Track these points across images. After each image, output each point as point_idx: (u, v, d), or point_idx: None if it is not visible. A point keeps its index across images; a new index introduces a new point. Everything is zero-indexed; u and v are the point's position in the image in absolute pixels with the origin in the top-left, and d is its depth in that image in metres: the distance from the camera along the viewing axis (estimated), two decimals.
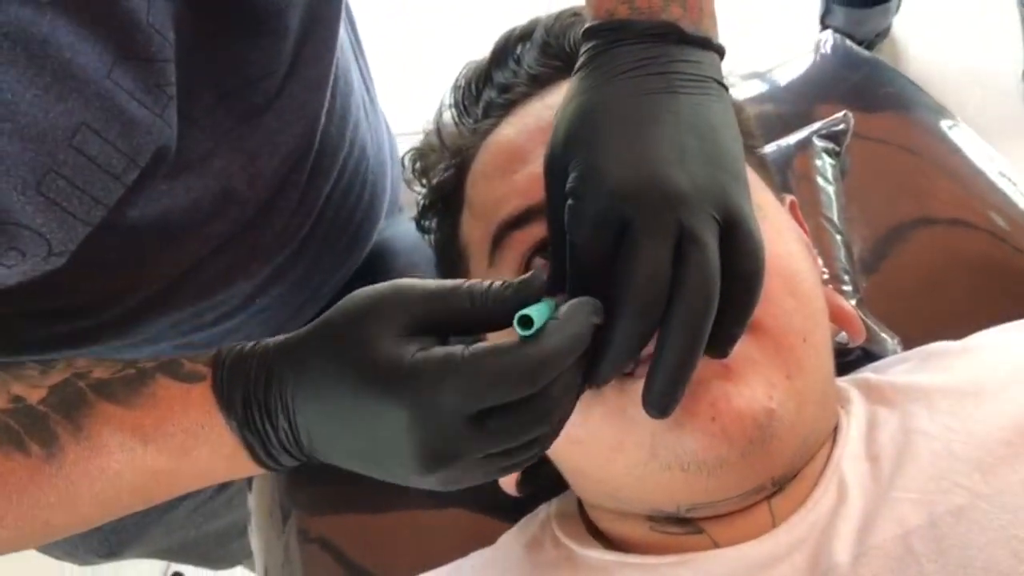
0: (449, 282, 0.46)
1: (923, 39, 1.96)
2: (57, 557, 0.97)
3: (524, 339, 0.43)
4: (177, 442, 0.47)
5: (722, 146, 0.50)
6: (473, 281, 0.46)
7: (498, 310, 0.45)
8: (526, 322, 0.44)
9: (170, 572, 1.65)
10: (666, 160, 0.47)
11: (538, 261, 0.58)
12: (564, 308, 0.45)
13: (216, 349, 0.49)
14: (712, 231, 0.46)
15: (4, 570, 0.69)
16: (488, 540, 0.67)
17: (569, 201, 0.49)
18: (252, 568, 1.28)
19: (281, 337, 0.48)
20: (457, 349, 0.43)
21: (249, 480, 0.85)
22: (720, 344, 0.48)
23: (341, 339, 0.45)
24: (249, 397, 0.46)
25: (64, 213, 0.49)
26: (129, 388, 0.48)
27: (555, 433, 0.47)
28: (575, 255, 0.49)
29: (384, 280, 0.83)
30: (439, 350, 0.44)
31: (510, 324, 0.44)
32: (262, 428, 0.47)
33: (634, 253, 0.46)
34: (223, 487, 0.96)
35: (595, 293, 0.47)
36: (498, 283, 0.46)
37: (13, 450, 0.47)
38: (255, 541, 0.84)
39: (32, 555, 0.69)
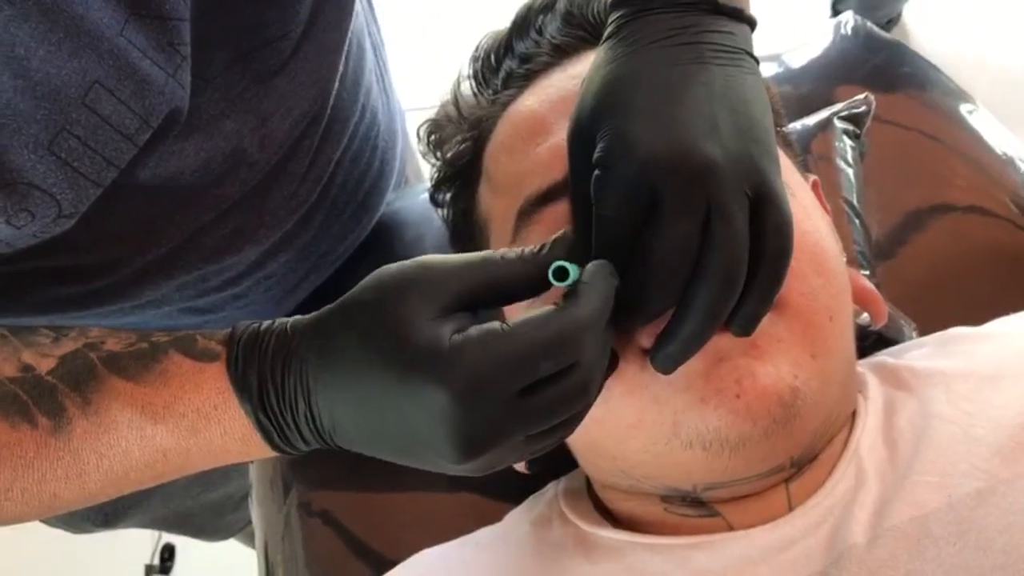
0: (477, 255, 0.45)
1: (933, 24, 1.95)
2: (51, 525, 0.96)
3: (562, 294, 0.44)
4: (188, 422, 0.46)
5: (754, 119, 0.49)
6: (503, 250, 0.46)
7: (534, 272, 0.45)
8: (562, 274, 0.44)
9: (161, 544, 1.65)
10: (698, 132, 0.46)
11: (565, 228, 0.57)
12: (587, 272, 0.45)
13: (231, 327, 0.47)
14: (742, 206, 0.46)
15: None
16: (493, 522, 0.66)
17: (596, 171, 0.48)
18: (244, 542, 1.29)
19: (301, 316, 0.46)
20: (496, 325, 0.43)
21: None
22: (745, 322, 0.48)
23: (371, 320, 0.43)
24: (265, 379, 0.45)
25: (75, 174, 0.48)
26: (140, 363, 0.46)
27: (591, 404, 0.46)
28: (601, 226, 0.48)
29: (391, 252, 0.83)
30: (477, 329, 0.43)
31: (546, 286, 0.44)
32: (279, 412, 0.45)
33: (662, 226, 0.45)
34: None
35: (620, 265, 0.47)
36: (529, 248, 0.45)
37: (20, 421, 0.45)
38: (255, 512, 0.83)
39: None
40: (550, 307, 0.44)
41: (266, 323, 0.47)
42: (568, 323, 0.43)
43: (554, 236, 0.46)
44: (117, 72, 0.47)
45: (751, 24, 0.52)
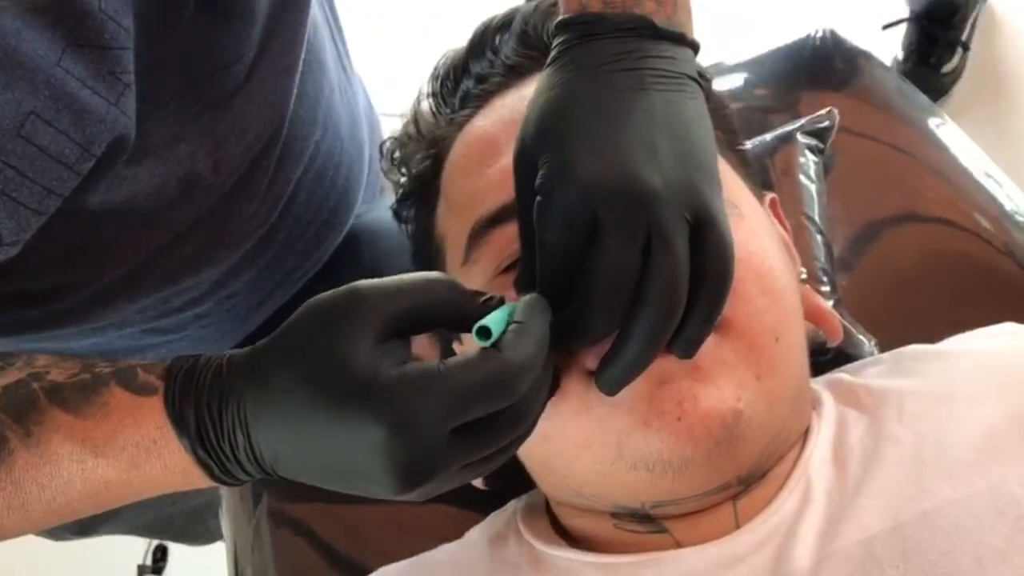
0: (414, 277, 0.46)
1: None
2: (31, 532, 0.96)
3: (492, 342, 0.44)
4: (128, 455, 0.46)
5: (695, 144, 0.49)
6: (441, 276, 0.46)
7: (465, 312, 0.45)
8: (485, 332, 0.44)
9: (154, 544, 1.66)
10: (637, 158, 0.47)
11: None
12: (520, 310, 0.45)
13: (169, 361, 0.47)
14: (682, 231, 0.46)
15: None
16: (466, 532, 0.66)
17: (538, 198, 0.48)
18: None
19: (237, 351, 0.46)
20: (432, 365, 0.43)
21: None
22: (687, 345, 0.48)
23: (305, 353, 0.43)
24: (202, 414, 0.45)
25: (14, 203, 0.48)
26: (82, 396, 0.46)
27: (528, 433, 0.47)
28: (544, 252, 0.48)
29: (361, 264, 0.82)
30: (413, 366, 0.43)
31: (470, 328, 0.44)
32: (217, 447, 0.45)
33: (603, 251, 0.46)
34: None
35: (564, 291, 0.47)
36: (469, 288, 0.46)
37: None
38: (225, 524, 0.84)
39: None
40: (487, 349, 0.43)
41: (204, 357, 0.47)
42: (503, 368, 0.43)
43: (493, 293, 0.47)
44: (54, 102, 0.47)
45: (694, 48, 0.52)
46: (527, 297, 0.47)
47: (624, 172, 0.46)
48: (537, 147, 0.50)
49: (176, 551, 1.65)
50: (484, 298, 0.46)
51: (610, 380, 0.48)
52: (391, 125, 0.98)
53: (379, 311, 0.44)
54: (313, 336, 0.43)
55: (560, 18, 0.52)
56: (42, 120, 0.47)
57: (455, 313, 0.45)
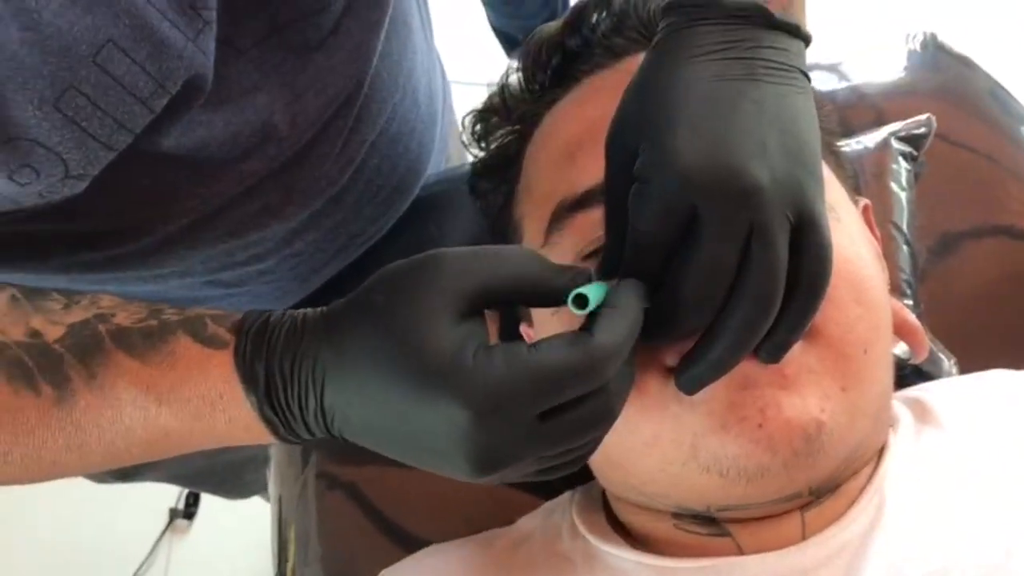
0: (496, 248, 0.44)
1: None
2: (85, 473, 0.97)
3: (581, 325, 0.43)
4: (192, 407, 0.45)
5: (803, 141, 0.47)
6: (526, 248, 0.45)
7: (554, 286, 0.44)
8: (581, 301, 0.43)
9: (186, 490, 1.68)
10: (745, 151, 0.45)
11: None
12: (616, 293, 0.44)
13: (240, 315, 0.47)
14: (784, 232, 0.44)
15: None
16: (515, 512, 0.66)
17: (636, 184, 0.46)
18: (267, 499, 1.30)
19: (310, 310, 0.45)
20: (520, 347, 0.42)
21: None
22: (774, 349, 0.47)
23: (385, 323, 0.42)
24: (273, 372, 0.44)
25: (83, 133, 0.47)
26: (148, 342, 0.46)
27: (610, 426, 0.45)
28: (635, 240, 0.47)
29: (425, 235, 0.81)
30: (502, 347, 0.42)
31: (562, 302, 0.43)
32: (285, 405, 0.44)
33: (700, 245, 0.44)
34: None
35: (651, 281, 0.46)
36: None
37: (23, 387, 0.45)
38: (272, 478, 0.83)
39: None
40: (577, 332, 0.43)
41: (276, 314, 0.46)
42: (595, 350, 0.42)
43: (584, 267, 0.45)
44: (133, 32, 0.45)
45: (806, 41, 0.50)
46: (625, 281, 0.45)
47: (730, 165, 0.44)
48: (636, 131, 0.48)
49: (208, 497, 1.67)
50: (574, 273, 0.45)
51: (692, 379, 0.47)
52: (459, 93, 0.97)
53: (463, 282, 0.42)
54: (395, 304, 0.42)
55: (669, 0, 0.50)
56: (119, 49, 0.45)
57: (543, 287, 0.44)
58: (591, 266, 0.54)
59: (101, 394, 0.45)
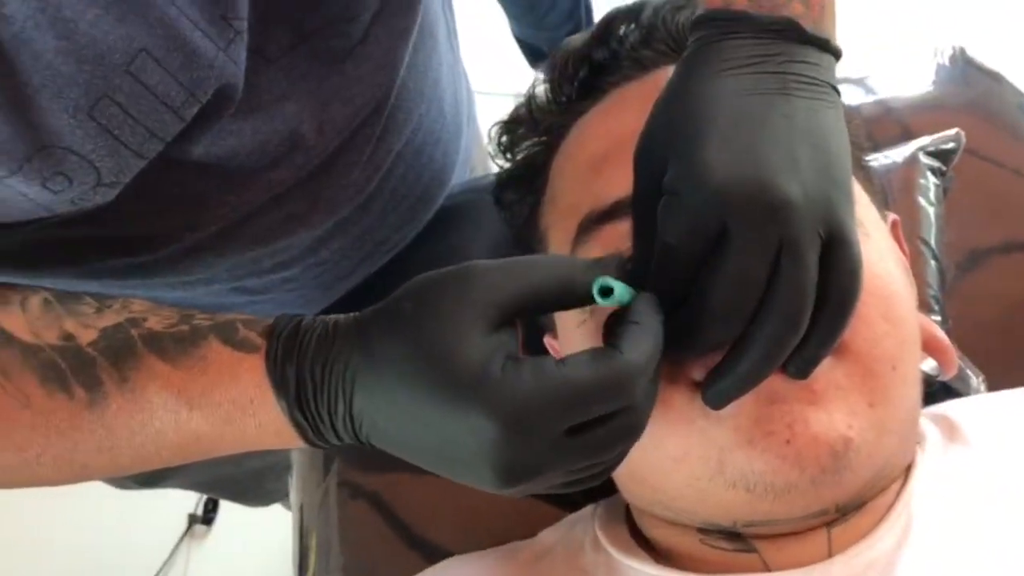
0: (522, 259, 0.45)
1: None
2: (112, 476, 0.98)
3: (614, 331, 0.44)
4: (223, 412, 0.46)
5: (833, 156, 0.46)
6: (550, 255, 0.45)
7: (581, 283, 0.44)
8: (606, 293, 0.43)
9: (205, 496, 1.68)
10: (776, 166, 0.44)
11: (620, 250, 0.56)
12: (636, 309, 0.44)
13: (273, 318, 0.47)
14: (815, 248, 0.44)
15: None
16: (537, 524, 0.65)
17: (665, 197, 0.46)
18: (287, 507, 1.30)
19: (341, 316, 0.46)
20: (548, 362, 0.42)
21: None
22: (803, 364, 0.47)
23: (415, 332, 0.42)
24: (304, 377, 0.44)
25: (116, 142, 0.47)
26: (180, 347, 0.46)
27: (635, 441, 0.45)
28: (664, 253, 0.46)
29: (448, 245, 0.82)
30: (531, 361, 0.42)
31: (591, 300, 0.44)
32: (315, 410, 0.44)
33: (730, 259, 0.44)
34: None
35: (679, 296, 0.46)
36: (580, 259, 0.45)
37: (57, 389, 0.46)
38: (293, 485, 0.84)
39: None
40: (604, 348, 0.43)
41: (307, 319, 0.46)
42: (624, 367, 0.42)
43: (608, 254, 0.45)
44: (166, 42, 0.46)
45: (836, 55, 0.50)
46: (643, 295, 0.45)
47: (762, 179, 0.44)
48: (666, 144, 0.47)
49: (227, 503, 1.68)
50: (599, 264, 0.45)
51: (719, 393, 0.47)
52: (483, 103, 0.97)
53: (495, 294, 0.43)
54: (421, 316, 0.42)
55: (701, 12, 0.50)
56: (152, 58, 0.46)
57: (571, 286, 0.44)
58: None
59: (132, 397, 0.46)
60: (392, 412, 0.43)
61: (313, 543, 0.78)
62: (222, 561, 1.67)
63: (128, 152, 0.48)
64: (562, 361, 0.42)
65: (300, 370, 0.44)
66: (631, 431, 0.44)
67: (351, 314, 0.45)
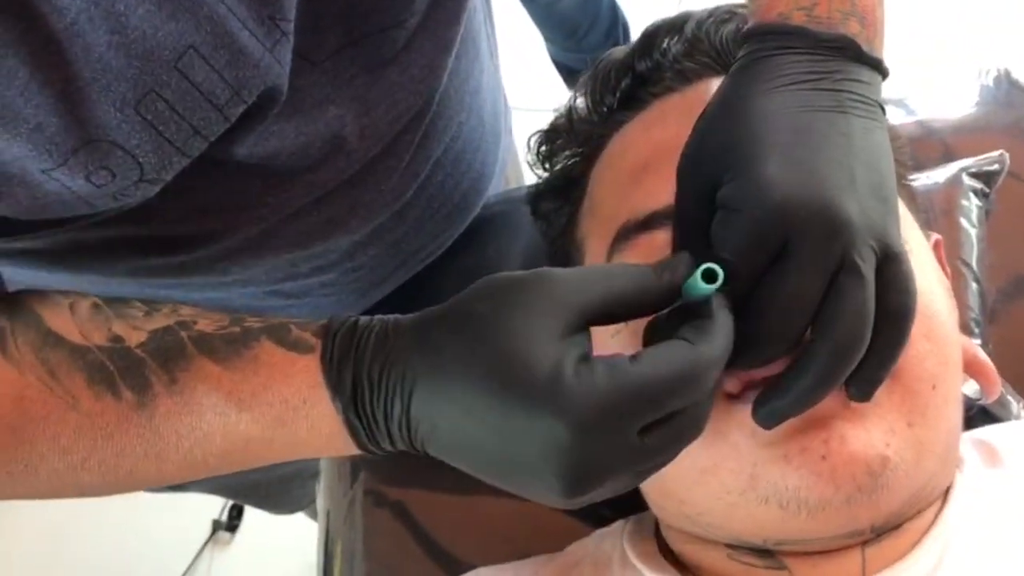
0: (594, 267, 0.45)
1: None
2: (160, 485, 0.97)
3: (684, 325, 0.43)
4: (275, 413, 0.44)
5: (883, 176, 0.46)
6: (618, 263, 0.46)
7: (663, 285, 0.44)
8: (711, 275, 0.43)
9: (230, 502, 1.68)
10: (838, 185, 0.44)
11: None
12: (717, 303, 0.44)
13: (327, 319, 0.46)
14: (872, 266, 0.44)
15: None
16: (561, 539, 0.65)
17: (721, 212, 0.46)
18: (311, 515, 1.30)
19: (402, 316, 0.45)
20: (622, 360, 0.41)
21: None
22: (865, 385, 0.46)
23: (486, 333, 0.41)
24: (361, 377, 0.43)
25: (160, 138, 0.47)
26: (232, 348, 0.45)
27: (695, 440, 0.45)
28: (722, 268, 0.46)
29: (483, 255, 0.81)
30: (603, 362, 0.41)
31: (672, 300, 0.44)
32: (370, 412, 0.43)
33: (790, 275, 0.44)
34: None
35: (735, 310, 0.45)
36: (654, 262, 0.45)
37: (104, 391, 0.45)
38: (320, 493, 0.83)
39: None
40: (675, 341, 0.42)
41: (364, 319, 0.45)
42: (701, 359, 0.41)
43: (674, 256, 0.45)
44: (214, 39, 0.46)
45: (884, 75, 0.50)
46: (719, 293, 0.44)
47: (823, 197, 0.44)
48: (718, 158, 0.47)
49: (251, 510, 1.68)
50: (676, 265, 0.45)
51: (773, 412, 0.46)
52: (519, 119, 0.97)
53: (568, 299, 0.42)
54: (494, 316, 0.41)
55: (753, 25, 0.50)
56: (199, 56, 0.46)
57: (649, 293, 0.44)
58: None
59: (181, 399, 0.45)
60: (454, 416, 0.42)
61: (338, 551, 0.78)
62: (245, 569, 1.67)
63: (172, 149, 0.48)
64: (635, 357, 0.41)
65: (357, 370, 0.43)
66: (695, 427, 0.43)
67: (410, 315, 0.45)
